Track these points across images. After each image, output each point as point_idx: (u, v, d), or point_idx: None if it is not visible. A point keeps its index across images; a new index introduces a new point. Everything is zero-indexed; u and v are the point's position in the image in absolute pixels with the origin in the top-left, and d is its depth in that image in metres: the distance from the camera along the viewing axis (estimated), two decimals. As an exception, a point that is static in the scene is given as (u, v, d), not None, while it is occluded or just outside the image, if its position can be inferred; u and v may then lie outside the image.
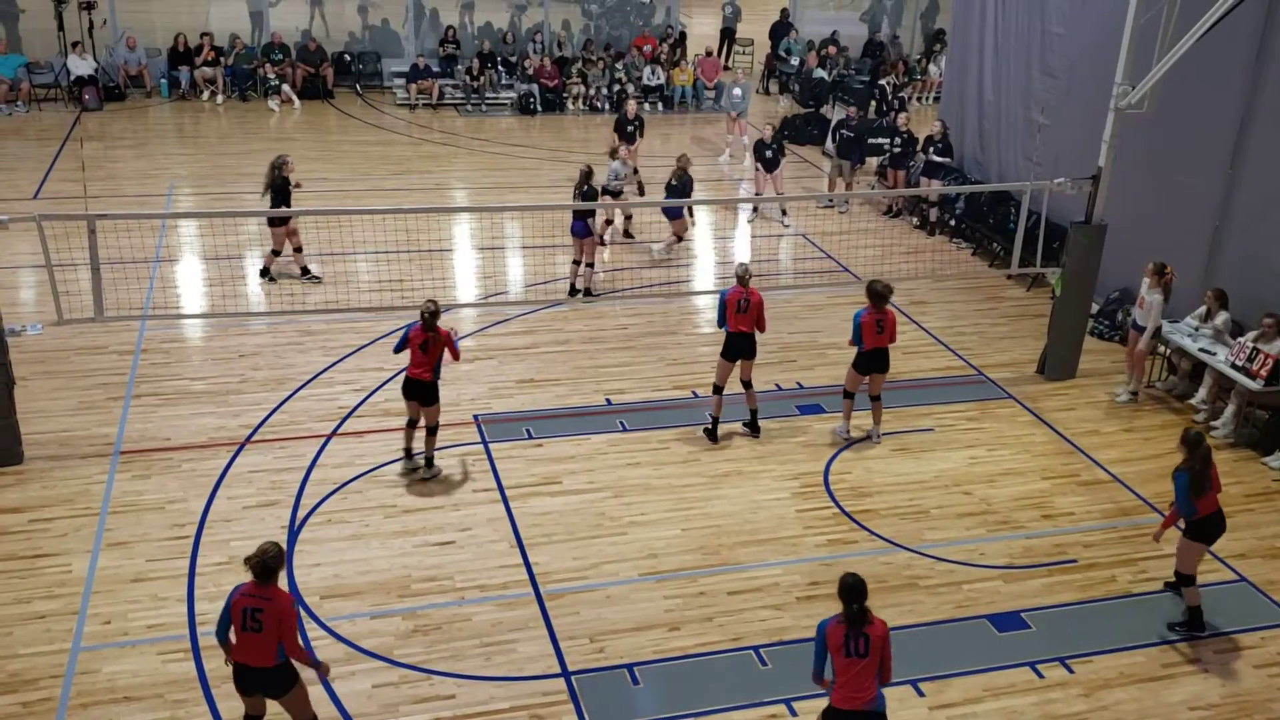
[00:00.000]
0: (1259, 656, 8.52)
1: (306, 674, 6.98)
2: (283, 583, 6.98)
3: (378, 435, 11.07)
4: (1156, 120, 12.20)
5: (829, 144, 19.48)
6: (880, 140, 19.10)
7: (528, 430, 11.32)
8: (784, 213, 18.06)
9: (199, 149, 20.26)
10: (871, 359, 10.97)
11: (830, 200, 18.62)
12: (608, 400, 11.93)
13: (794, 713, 7.80)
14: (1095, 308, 13.84)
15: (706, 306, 14.71)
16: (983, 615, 8.88)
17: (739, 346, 10.98)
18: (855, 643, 6.47)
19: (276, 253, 14.52)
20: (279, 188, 14.08)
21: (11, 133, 20.52)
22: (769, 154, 17.57)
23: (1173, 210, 13.29)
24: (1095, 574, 9.45)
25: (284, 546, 6.54)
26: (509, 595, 8.86)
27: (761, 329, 11.04)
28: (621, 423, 11.52)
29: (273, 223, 14.39)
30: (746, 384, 11.25)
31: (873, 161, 19.82)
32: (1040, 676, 8.25)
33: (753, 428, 11.37)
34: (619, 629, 8.54)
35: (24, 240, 14.13)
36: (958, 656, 8.41)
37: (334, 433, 11.11)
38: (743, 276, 10.89)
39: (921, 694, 8.01)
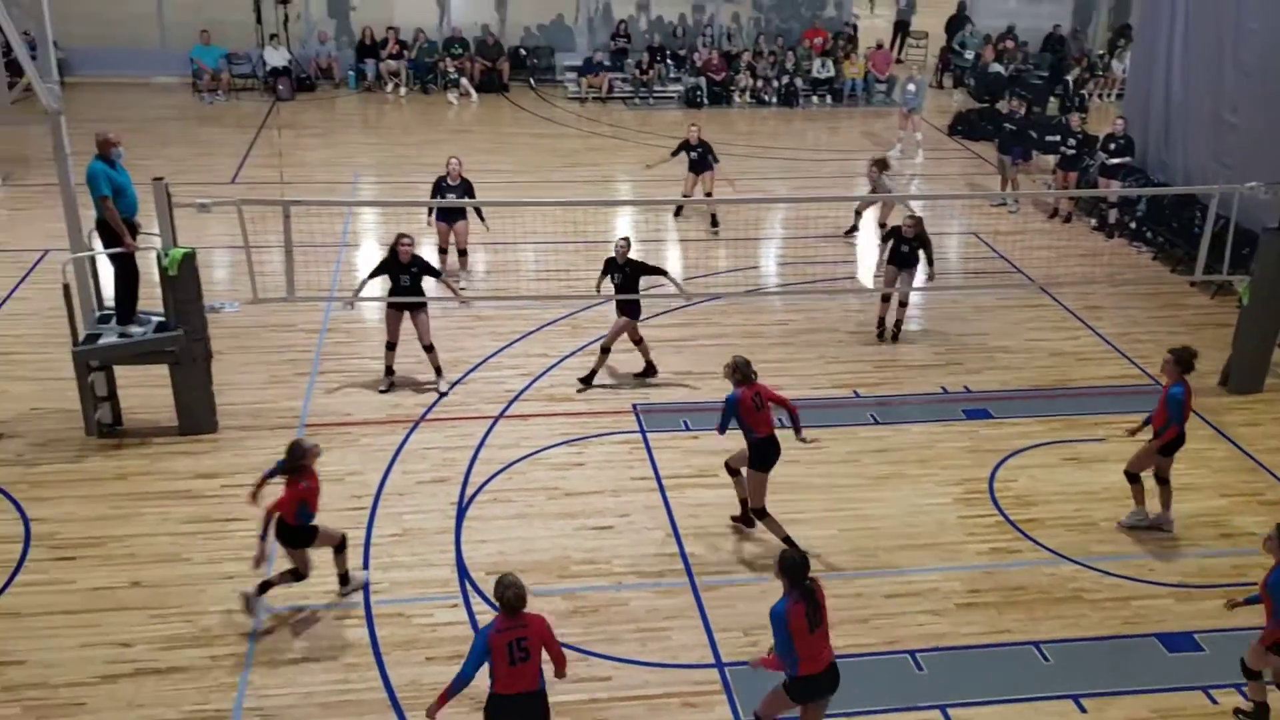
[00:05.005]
0: None
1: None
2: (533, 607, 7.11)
3: (542, 419, 11.41)
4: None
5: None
6: (1054, 138, 18.47)
7: (685, 422, 11.46)
8: (714, 221, 16.75)
9: (382, 139, 21.16)
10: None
11: (1002, 199, 18.14)
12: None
13: (947, 718, 7.72)
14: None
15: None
16: (1152, 634, 8.59)
17: (772, 452, 9.35)
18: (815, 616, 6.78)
19: None
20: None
21: (212, 120, 21.86)
22: (694, 155, 16.45)
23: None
24: (1276, 599, 8.99)
25: (519, 580, 6.62)
26: (665, 584, 9.03)
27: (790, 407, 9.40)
28: (779, 419, 11.50)
29: None
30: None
31: (1050, 160, 19.20)
32: (1214, 702, 7.93)
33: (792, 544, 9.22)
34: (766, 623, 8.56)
35: (222, 223, 14.88)
36: (1123, 674, 8.17)
37: (501, 415, 11.50)
38: (745, 369, 9.27)
39: (1083, 709, 7.81)
